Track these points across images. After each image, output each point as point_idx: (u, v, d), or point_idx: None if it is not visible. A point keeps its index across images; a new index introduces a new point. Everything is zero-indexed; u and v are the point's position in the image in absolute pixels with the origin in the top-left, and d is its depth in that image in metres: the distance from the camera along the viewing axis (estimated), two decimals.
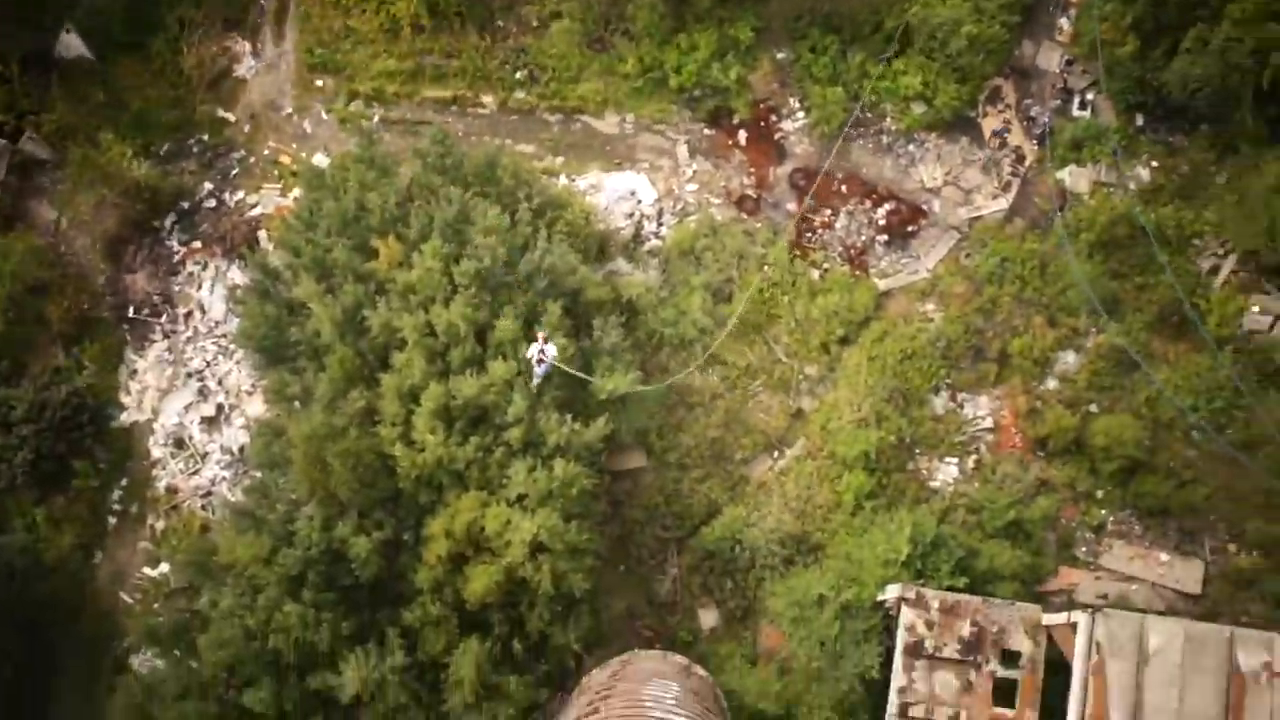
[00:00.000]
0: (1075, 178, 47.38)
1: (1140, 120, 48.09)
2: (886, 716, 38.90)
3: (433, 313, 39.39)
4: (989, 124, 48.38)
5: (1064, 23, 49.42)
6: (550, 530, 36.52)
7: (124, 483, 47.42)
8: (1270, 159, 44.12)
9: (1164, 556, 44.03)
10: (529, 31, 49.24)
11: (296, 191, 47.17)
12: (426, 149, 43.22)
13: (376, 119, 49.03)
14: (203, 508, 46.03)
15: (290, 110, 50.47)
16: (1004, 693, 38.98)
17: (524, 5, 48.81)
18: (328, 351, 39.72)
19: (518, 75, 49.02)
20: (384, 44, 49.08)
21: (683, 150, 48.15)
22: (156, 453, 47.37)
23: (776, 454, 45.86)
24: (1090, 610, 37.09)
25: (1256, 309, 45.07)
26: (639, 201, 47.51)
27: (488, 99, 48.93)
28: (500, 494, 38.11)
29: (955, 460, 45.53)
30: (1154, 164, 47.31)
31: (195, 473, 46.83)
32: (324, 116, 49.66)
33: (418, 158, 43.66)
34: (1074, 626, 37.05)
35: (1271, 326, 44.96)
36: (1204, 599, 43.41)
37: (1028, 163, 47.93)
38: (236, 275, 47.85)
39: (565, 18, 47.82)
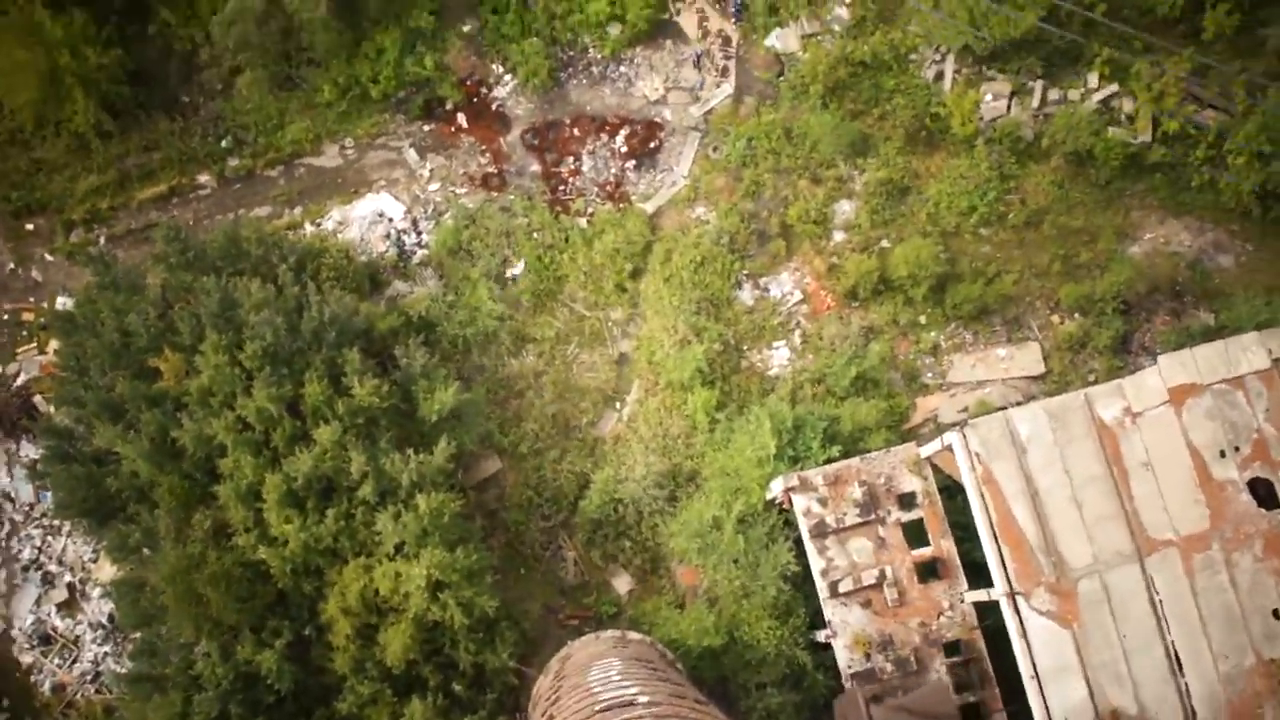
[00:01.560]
0: (783, 39, 55.49)
1: None
2: (821, 601, 45.90)
3: (239, 406, 43.69)
4: (686, 20, 55.93)
5: None
6: (440, 565, 41.32)
7: (6, 704, 50.30)
8: None
9: (1001, 352, 52.96)
10: (217, 96, 54.19)
11: (54, 343, 50.78)
12: (164, 250, 47.63)
13: (103, 240, 53.26)
14: (97, 691, 49.78)
15: (12, 265, 54.08)
16: (915, 533, 46.39)
17: (202, 72, 53.44)
18: (153, 488, 43.83)
19: (223, 144, 53.97)
20: (78, 164, 53.16)
21: (411, 154, 54.16)
22: (27, 659, 50.85)
23: (619, 405, 52.73)
24: (958, 427, 44.44)
25: (989, 97, 54.10)
26: (390, 220, 53.38)
27: (204, 178, 53.88)
28: (378, 552, 43.01)
29: (782, 342, 53.38)
30: (847, 1, 55.67)
31: (74, 661, 50.46)
32: (49, 258, 53.49)
33: (159, 262, 48.03)
34: (950, 448, 44.35)
35: (1008, 108, 54.12)
36: (1050, 374, 52.48)
37: (735, 42, 55.74)
38: (29, 450, 51.36)
39: (246, 69, 52.73)
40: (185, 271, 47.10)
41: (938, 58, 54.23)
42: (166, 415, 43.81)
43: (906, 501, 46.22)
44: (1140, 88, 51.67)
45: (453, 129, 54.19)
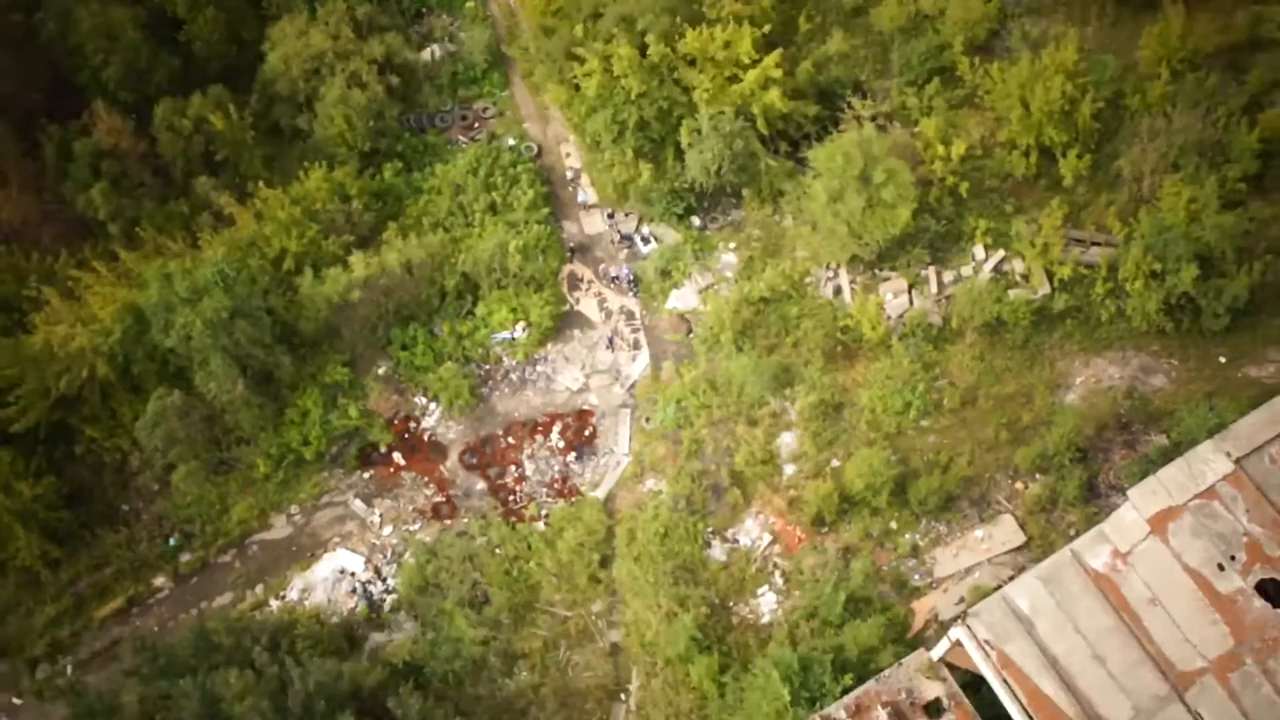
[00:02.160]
0: (683, 299, 60.31)
1: (697, 220, 61.99)
2: None
3: None
4: (587, 306, 60.91)
5: (583, 190, 63.52)
6: None
7: None
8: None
9: (978, 533, 54.84)
10: (155, 498, 57.71)
11: None
12: (134, 664, 49.89)
13: (69, 670, 55.08)
14: None
15: None
16: None
17: (136, 477, 57.32)
18: None
19: (171, 542, 57.01)
20: (30, 599, 55.60)
21: (358, 505, 57.56)
22: None
23: (624, 696, 53.73)
24: (960, 621, 45.83)
25: (890, 296, 58.35)
26: (352, 574, 56.15)
27: (159, 580, 56.55)
28: None
29: (765, 587, 55.20)
30: (731, 246, 60.96)
31: None
32: (16, 702, 54.82)
33: (131, 677, 50.05)
34: (959, 644, 45.58)
35: (910, 301, 58.30)
36: (1031, 541, 54.08)
37: (639, 314, 60.49)
38: None
39: (179, 465, 56.40)
40: (160, 679, 49.08)
41: (831, 274, 58.80)
42: None
43: (934, 709, 47.03)
44: (1024, 246, 56.27)
45: (392, 469, 57.70)
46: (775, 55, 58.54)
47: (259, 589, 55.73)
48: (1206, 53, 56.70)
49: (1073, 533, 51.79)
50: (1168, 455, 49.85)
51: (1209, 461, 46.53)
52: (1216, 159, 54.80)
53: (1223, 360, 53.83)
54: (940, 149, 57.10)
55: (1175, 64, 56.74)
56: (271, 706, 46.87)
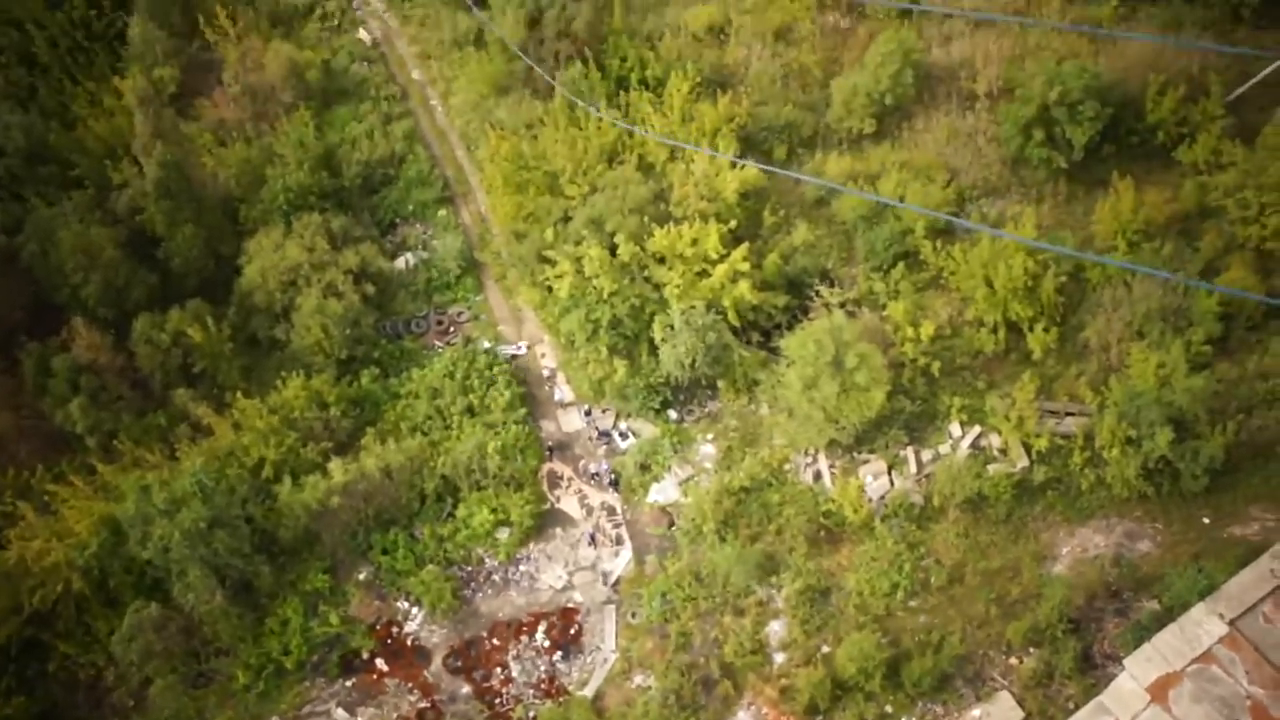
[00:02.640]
0: (663, 492, 62.57)
1: (674, 413, 64.83)
2: None
3: None
4: (568, 504, 63.13)
5: (560, 388, 66.56)
6: None
7: None
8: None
9: (975, 712, 55.54)
10: (131, 714, 57.97)
11: None
12: None
13: None
14: None
15: None
16: None
17: (111, 694, 57.97)
18: None
19: None
20: None
21: (340, 714, 58.07)
22: None
23: None
24: None
25: (870, 478, 60.62)
26: None
27: None
28: None
29: None
30: (709, 437, 63.67)
31: None
32: None
33: None
34: None
35: (890, 482, 60.72)
36: (1030, 716, 54.65)
37: (620, 509, 62.68)
38: None
39: (155, 679, 57.20)
40: None
41: (810, 460, 61.31)
42: None
43: None
44: (999, 421, 59.02)
45: (375, 676, 58.63)
46: (742, 249, 62.04)
47: None
48: (1159, 223, 60.49)
49: (1072, 705, 52.71)
50: (1160, 620, 51.49)
51: (1203, 624, 48.42)
52: (1179, 324, 58.02)
53: (1207, 521, 55.81)
54: (910, 331, 60.22)
55: (1130, 235, 60.46)
56: None
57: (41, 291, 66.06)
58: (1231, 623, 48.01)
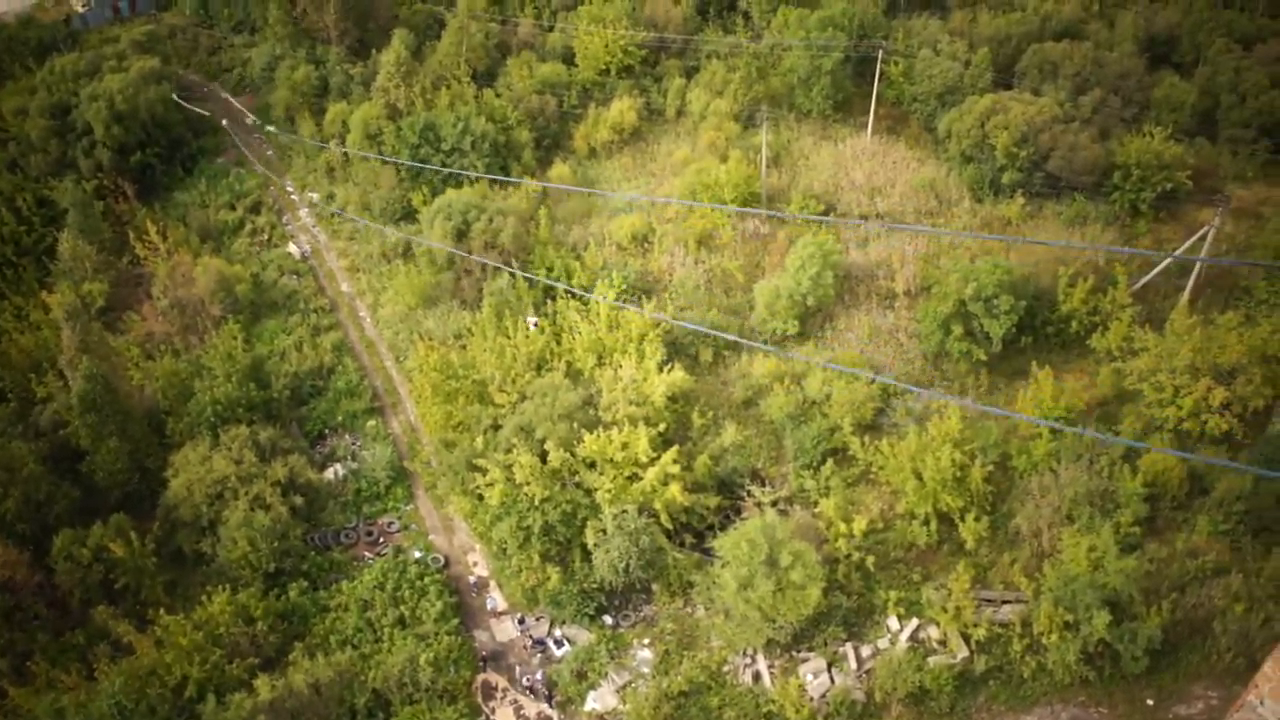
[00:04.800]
0: (601, 699, 61.47)
1: (609, 618, 64.34)
2: None
3: None
4: (503, 716, 61.73)
5: (493, 596, 65.97)
6: None
7: None
8: None
9: None
10: None
11: None
12: None
13: None
14: None
15: None
16: None
17: None
18: None
19: None
20: None
21: None
22: None
23: None
24: None
25: (810, 676, 60.08)
26: None
27: None
28: None
29: None
30: (646, 642, 63.03)
31: None
32: None
33: None
34: None
35: (831, 680, 60.25)
36: None
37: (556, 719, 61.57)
38: None
39: None
40: None
41: (748, 660, 60.86)
42: None
43: None
44: (937, 613, 59.20)
45: None
46: (672, 452, 62.83)
47: None
48: (1079, 409, 61.96)
49: None
50: None
51: None
52: (1107, 507, 59.23)
53: (1151, 703, 55.88)
54: (842, 526, 60.89)
55: (1054, 418, 61.89)
56: None
57: None
58: None
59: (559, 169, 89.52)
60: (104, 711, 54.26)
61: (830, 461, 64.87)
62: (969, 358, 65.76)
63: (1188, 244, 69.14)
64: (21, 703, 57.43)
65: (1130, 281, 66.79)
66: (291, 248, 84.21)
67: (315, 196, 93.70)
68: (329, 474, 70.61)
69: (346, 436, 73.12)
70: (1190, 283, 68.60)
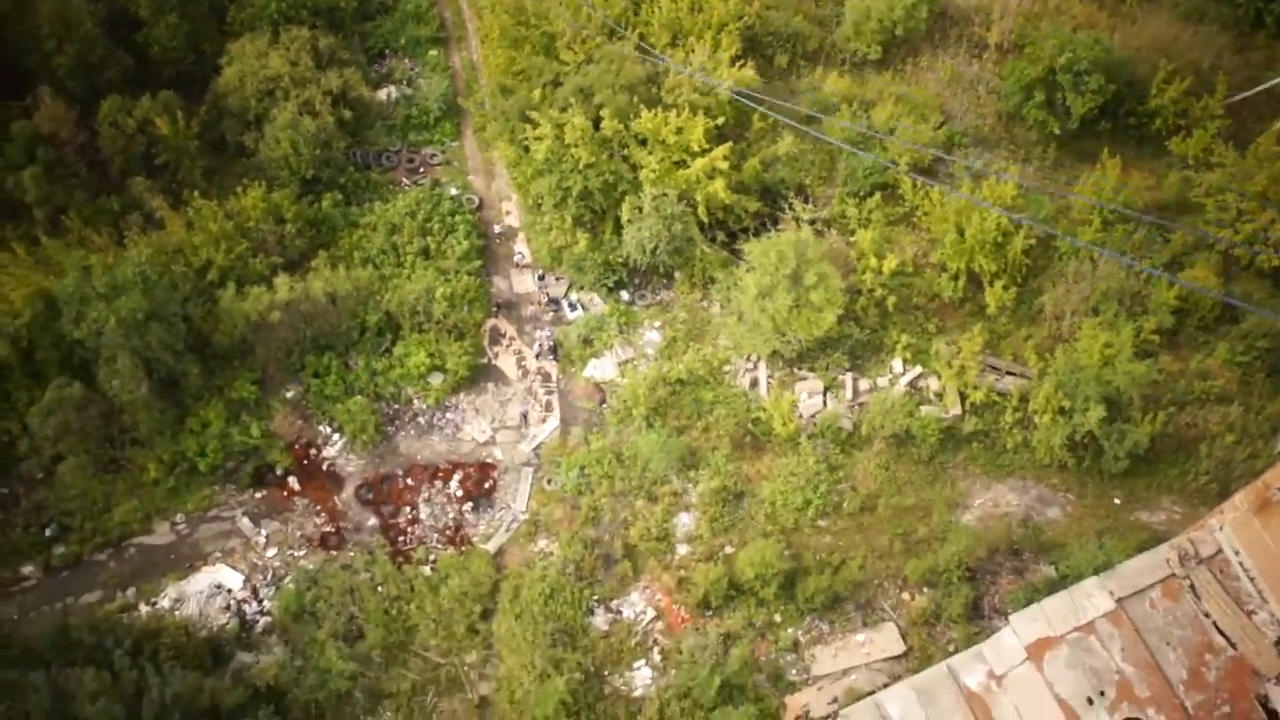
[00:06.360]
0: (601, 368, 63.82)
1: (626, 294, 65.94)
2: None
3: None
4: (505, 362, 64.24)
5: (519, 248, 67.37)
6: None
7: None
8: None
9: (859, 637, 57.80)
10: (38, 485, 58.94)
11: None
12: None
13: None
14: None
15: None
16: None
17: (20, 463, 58.48)
18: None
19: (47, 532, 58.23)
20: None
21: (245, 523, 59.43)
22: None
23: None
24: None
25: (804, 395, 62.39)
26: (229, 591, 57.72)
27: (28, 569, 57.54)
28: None
29: (642, 662, 57.74)
30: (656, 324, 64.85)
31: None
32: None
33: None
34: None
35: (824, 403, 62.38)
36: (911, 651, 57.10)
37: (555, 377, 63.91)
38: None
39: (68, 456, 57.88)
40: (10, 669, 50.00)
41: (750, 366, 62.76)
42: None
43: None
44: (942, 366, 60.66)
45: (285, 493, 59.80)
46: (725, 148, 62.73)
47: (130, 592, 56.92)
48: (1137, 207, 61.79)
49: (952, 648, 55.21)
50: (1053, 587, 53.80)
51: (1092, 597, 50.58)
52: (1135, 309, 60.00)
53: (1118, 502, 58.28)
54: (873, 261, 61.54)
55: (1106, 214, 61.82)
56: (125, 711, 48.16)
57: (10, 53, 65.20)
58: (1119, 601, 50.11)
59: None
60: (128, 276, 55.81)
61: (878, 195, 65.17)
62: (1042, 128, 65.04)
63: None
64: (52, 254, 59.37)
65: (1229, 93, 65.01)
66: None
67: None
68: (382, 94, 70.74)
69: (406, 60, 72.86)
70: None
